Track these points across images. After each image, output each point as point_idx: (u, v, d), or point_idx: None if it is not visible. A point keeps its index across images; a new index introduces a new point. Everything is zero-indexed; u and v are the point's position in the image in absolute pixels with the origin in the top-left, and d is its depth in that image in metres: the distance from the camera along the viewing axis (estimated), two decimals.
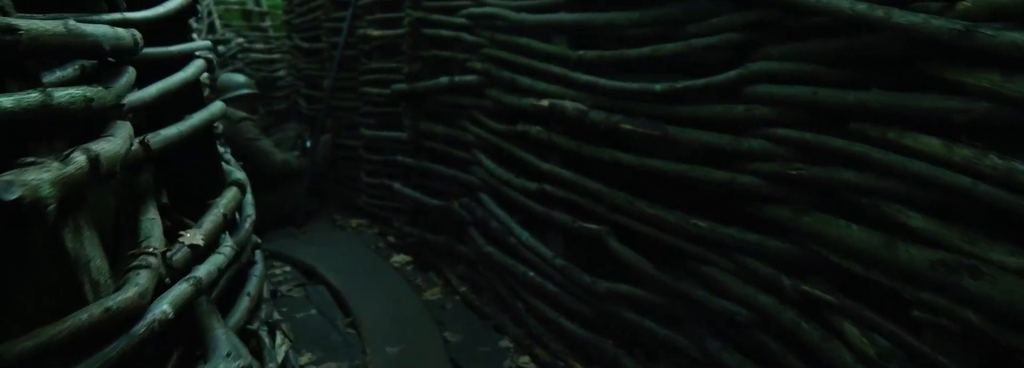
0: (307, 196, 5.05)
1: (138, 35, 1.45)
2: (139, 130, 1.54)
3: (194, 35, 3.89)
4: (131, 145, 1.21)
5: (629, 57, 2.24)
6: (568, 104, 2.47)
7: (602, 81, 2.32)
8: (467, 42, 3.29)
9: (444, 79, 3.49)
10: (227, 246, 1.67)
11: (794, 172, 1.71)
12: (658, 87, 2.08)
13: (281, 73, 7.50)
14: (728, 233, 1.93)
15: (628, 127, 2.17)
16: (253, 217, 2.26)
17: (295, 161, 5.02)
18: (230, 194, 1.94)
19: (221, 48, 7.28)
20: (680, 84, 2.02)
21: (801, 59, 1.74)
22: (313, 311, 3.42)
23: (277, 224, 4.96)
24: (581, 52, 2.45)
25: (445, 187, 3.75)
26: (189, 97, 1.99)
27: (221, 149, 3.20)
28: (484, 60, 3.13)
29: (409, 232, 4.06)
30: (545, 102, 2.60)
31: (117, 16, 1.46)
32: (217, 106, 2.03)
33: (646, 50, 2.16)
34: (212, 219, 1.74)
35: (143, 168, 1.94)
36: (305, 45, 5.66)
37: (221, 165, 2.18)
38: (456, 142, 3.58)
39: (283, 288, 3.76)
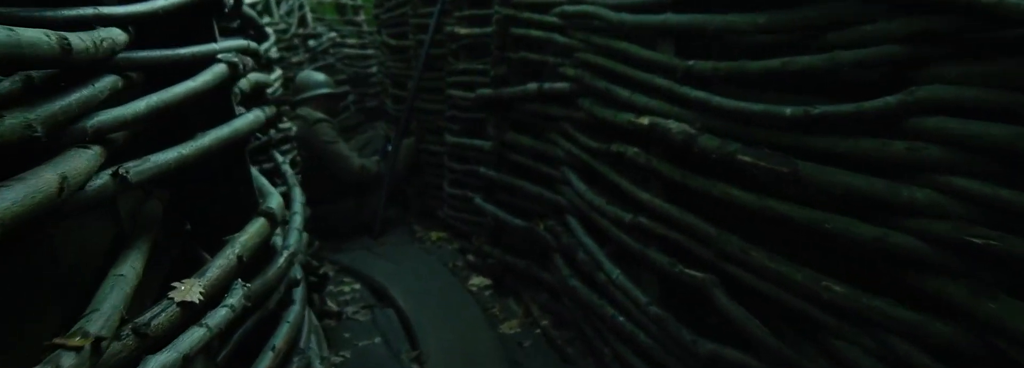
0: (386, 204, 4.76)
1: (110, 36, 1.14)
2: (122, 155, 1.24)
3: (267, 29, 3.63)
4: (61, 190, 0.88)
5: (751, 71, 1.81)
6: (673, 124, 2.05)
7: (716, 99, 1.89)
8: (559, 44, 2.90)
9: (532, 85, 3.11)
10: (227, 306, 1.33)
11: (978, 241, 1.25)
12: (788, 111, 1.65)
13: (374, 69, 7.31)
14: (873, 305, 1.48)
15: (747, 159, 1.74)
16: (294, 249, 1.94)
17: (374, 166, 4.75)
18: (253, 228, 1.61)
19: (312, 42, 7.13)
20: (818, 109, 1.57)
21: (993, 85, 1.28)
22: (378, 339, 3.12)
23: (353, 234, 4.70)
24: (691, 62, 2.02)
25: (529, 205, 3.37)
26: (211, 109, 1.69)
27: (278, 159, 2.93)
28: (577, 66, 2.74)
29: (489, 252, 3.70)
30: (645, 120, 2.19)
31: (89, 11, 1.15)
32: (244, 120, 1.71)
33: (774, 63, 1.73)
34: (220, 264, 1.42)
35: (152, 194, 1.66)
36: (392, 42, 5.38)
37: (253, 189, 1.86)
38: (544, 157, 3.20)
39: (349, 309, 3.47)
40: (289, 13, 7.25)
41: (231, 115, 1.78)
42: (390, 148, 4.90)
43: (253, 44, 2.09)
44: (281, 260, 1.82)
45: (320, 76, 5.07)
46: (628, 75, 2.34)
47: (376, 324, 3.30)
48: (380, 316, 3.39)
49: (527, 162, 3.35)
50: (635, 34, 2.34)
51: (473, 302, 3.43)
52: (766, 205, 1.72)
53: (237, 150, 1.80)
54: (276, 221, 1.75)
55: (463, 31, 3.98)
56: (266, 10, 6.62)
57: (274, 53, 3.84)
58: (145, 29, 1.52)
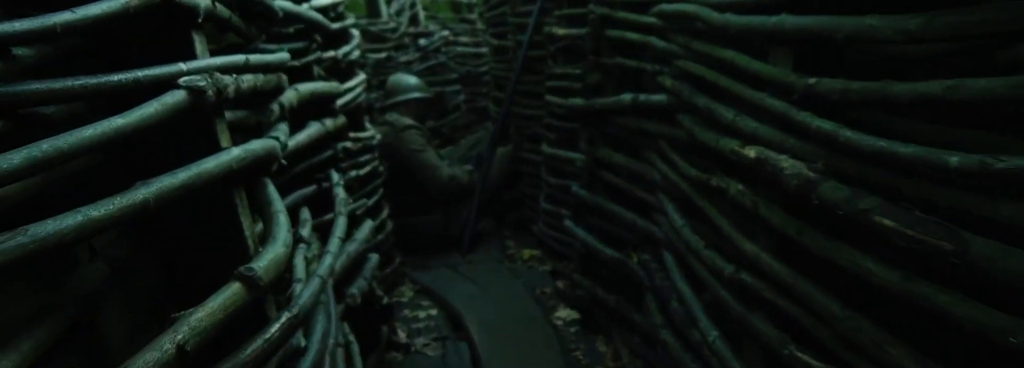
0: (477, 218, 4.38)
1: None
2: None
3: (352, 31, 3.30)
4: None
5: (898, 96, 1.28)
6: (786, 162, 1.55)
7: (846, 133, 1.37)
8: (658, 49, 2.42)
9: (627, 96, 2.65)
10: None
11: None
12: (954, 160, 1.11)
13: (486, 68, 7.02)
14: None
15: (889, 224, 1.22)
16: (299, 310, 1.56)
17: (466, 176, 4.38)
18: (216, 302, 1.23)
19: (423, 41, 6.88)
20: (1004, 160, 1.04)
21: None
22: None
23: (441, 248, 4.36)
24: (813, 80, 1.51)
25: (622, 233, 2.91)
26: (179, 146, 1.35)
27: (334, 179, 2.59)
28: (676, 76, 2.26)
29: (579, 282, 3.26)
30: (751, 152, 1.70)
31: None
32: (219, 160, 1.34)
33: (932, 87, 1.19)
34: (146, 360, 1.03)
35: (97, 254, 1.32)
36: (494, 42, 5.02)
37: (243, 239, 1.51)
38: (639, 179, 2.73)
39: (419, 341, 3.13)
40: (399, 12, 7.04)
41: (215, 149, 1.43)
42: (484, 155, 4.53)
43: (263, 57, 1.74)
44: (273, 330, 1.43)
45: (412, 79, 4.75)
46: (733, 91, 1.84)
47: (445, 361, 2.94)
48: (451, 351, 3.03)
49: (621, 183, 2.89)
50: (743, 40, 1.84)
51: (555, 341, 3.00)
52: (914, 290, 1.20)
53: (218, 193, 1.45)
54: (259, 286, 1.37)
55: (561, 32, 3.56)
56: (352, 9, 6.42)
57: (355, 56, 3.53)
58: (77, 50, 1.21)
